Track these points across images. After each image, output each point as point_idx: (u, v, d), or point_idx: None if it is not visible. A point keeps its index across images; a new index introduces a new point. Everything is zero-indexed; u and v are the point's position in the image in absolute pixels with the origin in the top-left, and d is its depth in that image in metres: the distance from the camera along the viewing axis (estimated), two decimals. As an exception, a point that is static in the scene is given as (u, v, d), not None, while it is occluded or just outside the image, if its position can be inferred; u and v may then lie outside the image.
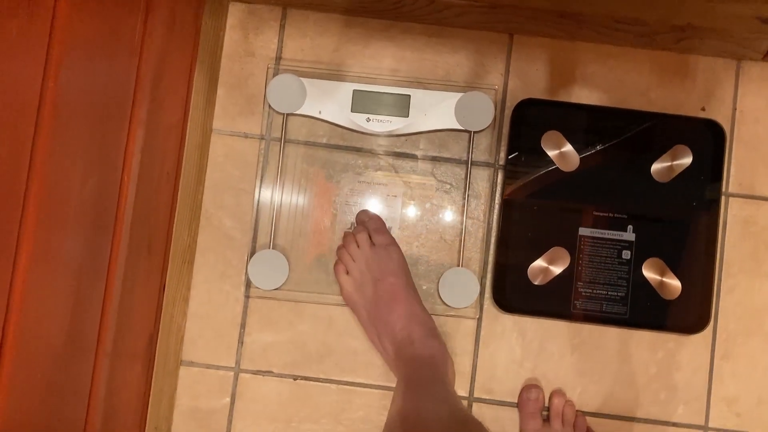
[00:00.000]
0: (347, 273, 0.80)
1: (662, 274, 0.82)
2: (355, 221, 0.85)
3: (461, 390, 0.84)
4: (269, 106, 0.85)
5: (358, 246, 0.80)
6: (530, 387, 0.83)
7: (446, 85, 0.86)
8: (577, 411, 0.82)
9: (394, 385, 0.80)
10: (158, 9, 0.68)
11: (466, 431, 0.66)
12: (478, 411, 0.84)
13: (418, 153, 0.86)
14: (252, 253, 0.84)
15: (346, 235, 0.83)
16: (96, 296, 0.62)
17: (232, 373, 0.84)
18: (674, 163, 0.83)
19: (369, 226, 0.82)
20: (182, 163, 0.80)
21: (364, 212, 0.84)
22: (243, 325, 0.84)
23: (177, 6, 0.74)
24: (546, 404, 0.83)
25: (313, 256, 0.84)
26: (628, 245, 0.83)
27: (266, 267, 0.83)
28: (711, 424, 0.84)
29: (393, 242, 0.81)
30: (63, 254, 0.55)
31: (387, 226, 0.84)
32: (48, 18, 0.48)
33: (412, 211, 0.85)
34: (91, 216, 0.59)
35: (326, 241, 0.85)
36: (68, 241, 0.55)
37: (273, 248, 0.83)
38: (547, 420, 0.82)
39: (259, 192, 0.85)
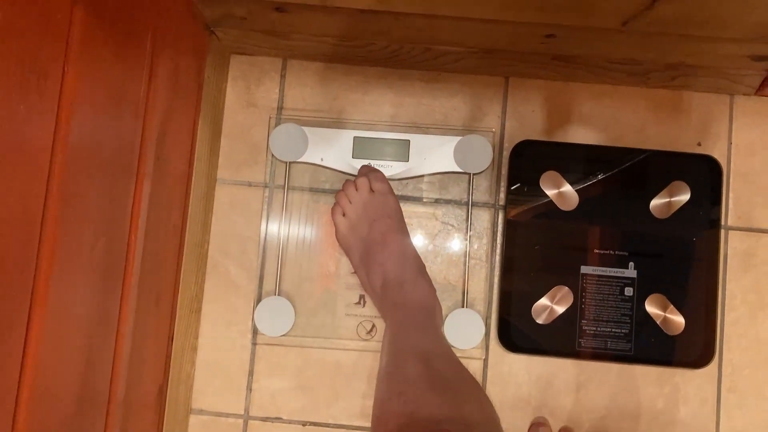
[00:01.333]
0: (343, 215, 0.81)
1: (665, 310, 0.83)
2: (357, 173, 0.85)
3: (470, 431, 0.84)
4: (272, 154, 0.87)
5: (357, 190, 0.81)
6: (538, 425, 0.83)
7: (445, 129, 0.88)
8: None
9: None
10: (162, 66, 0.70)
11: (461, 369, 0.65)
12: (488, 451, 0.84)
13: (419, 196, 0.87)
14: (258, 300, 0.85)
15: (346, 182, 0.83)
16: (107, 351, 0.63)
17: (241, 421, 0.85)
18: (672, 199, 0.85)
19: (370, 175, 0.83)
20: (188, 213, 0.81)
21: (367, 166, 0.85)
22: (251, 373, 0.85)
23: (180, 61, 0.76)
24: (555, 442, 0.84)
25: (319, 301, 0.86)
26: (630, 282, 0.83)
27: (272, 313, 0.84)
28: (721, 459, 0.84)
29: (391, 191, 0.82)
30: (75, 313, 0.56)
31: (391, 269, 0.85)
32: (56, 92, 0.49)
33: (415, 254, 0.86)
34: (100, 273, 0.60)
35: (332, 286, 0.86)
36: (79, 299, 0.57)
37: (279, 294, 0.85)
38: None
39: (264, 239, 0.86)
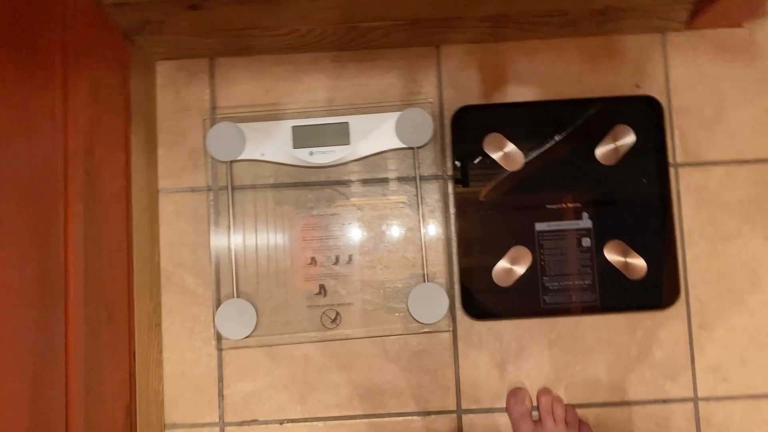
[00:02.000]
0: None
1: (625, 255, 0.82)
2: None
3: (448, 404, 0.83)
4: (211, 156, 0.85)
5: None
6: (515, 391, 0.83)
7: (383, 107, 0.86)
8: (566, 405, 0.82)
9: (379, 411, 0.81)
10: (78, 81, 0.68)
11: None
12: (469, 422, 0.83)
13: (367, 177, 0.86)
14: (217, 305, 0.83)
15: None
16: (57, 375, 0.62)
17: (217, 429, 0.83)
18: (618, 143, 0.84)
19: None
20: (132, 227, 0.80)
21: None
22: (221, 379, 0.84)
23: (99, 75, 0.74)
24: (535, 404, 0.83)
25: (280, 297, 0.84)
26: (586, 232, 0.83)
27: (234, 317, 0.82)
28: (701, 395, 0.84)
29: None
30: (10, 340, 0.54)
31: (347, 255, 0.84)
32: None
33: (370, 236, 0.85)
34: (36, 297, 0.59)
35: (290, 280, 0.84)
36: (13, 326, 0.55)
37: (238, 297, 0.83)
38: (538, 420, 0.82)
39: (215, 243, 0.84)
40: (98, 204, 0.72)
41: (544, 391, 0.83)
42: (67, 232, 0.65)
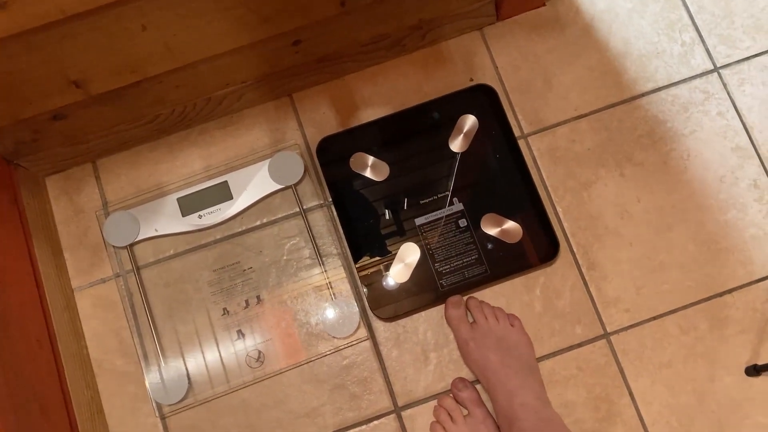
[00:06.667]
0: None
1: (501, 224, 0.90)
2: (450, 388, 0.88)
3: (385, 406, 0.88)
4: (112, 246, 0.92)
5: (453, 421, 0.85)
6: (451, 299, 0.88)
7: (256, 158, 0.95)
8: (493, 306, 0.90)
9: None
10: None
11: None
12: (409, 416, 0.88)
13: (255, 225, 0.93)
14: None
15: (439, 409, 0.87)
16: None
17: (178, 493, 0.87)
18: (465, 131, 0.93)
19: (463, 396, 0.87)
20: (53, 327, 0.85)
21: (460, 380, 0.88)
22: (169, 444, 0.88)
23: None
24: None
25: (204, 351, 0.89)
26: (460, 214, 0.91)
27: (166, 382, 0.87)
28: (609, 329, 0.90)
29: (487, 415, 0.86)
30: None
31: (255, 296, 0.91)
32: None
33: (273, 275, 0.92)
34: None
35: (210, 333, 0.90)
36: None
37: (165, 363, 0.88)
38: (473, 321, 0.88)
39: (134, 322, 0.90)
40: (7, 316, 0.78)
41: (471, 298, 0.89)
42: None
